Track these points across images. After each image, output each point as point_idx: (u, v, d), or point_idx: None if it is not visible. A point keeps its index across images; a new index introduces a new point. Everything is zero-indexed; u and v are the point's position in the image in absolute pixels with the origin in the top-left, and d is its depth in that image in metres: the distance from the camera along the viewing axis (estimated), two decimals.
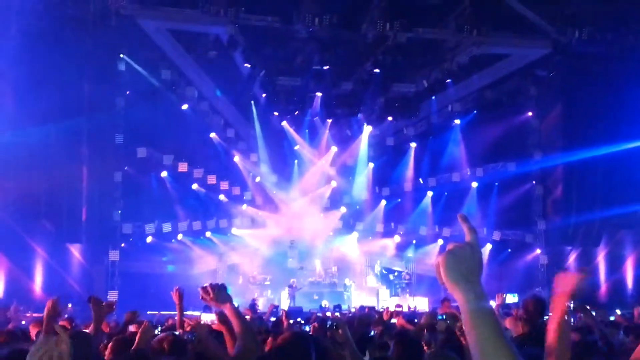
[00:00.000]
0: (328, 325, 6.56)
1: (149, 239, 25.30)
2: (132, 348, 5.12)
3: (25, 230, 21.43)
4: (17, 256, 20.94)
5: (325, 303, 23.61)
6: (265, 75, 25.04)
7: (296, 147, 28.33)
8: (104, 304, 7.14)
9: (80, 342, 5.40)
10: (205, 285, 4.08)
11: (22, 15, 20.84)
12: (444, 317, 7.58)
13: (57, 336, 3.05)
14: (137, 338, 5.28)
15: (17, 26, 20.51)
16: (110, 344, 5.59)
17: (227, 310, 4.09)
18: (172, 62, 24.31)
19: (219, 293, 4.05)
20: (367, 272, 27.97)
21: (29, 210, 21.33)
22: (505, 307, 10.56)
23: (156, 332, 6.21)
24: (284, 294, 24.83)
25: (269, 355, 4.76)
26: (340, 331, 5.80)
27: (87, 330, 6.29)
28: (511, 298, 21.41)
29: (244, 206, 27.36)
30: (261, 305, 21.88)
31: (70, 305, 21.00)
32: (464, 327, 2.04)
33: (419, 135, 28.33)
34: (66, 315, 14.38)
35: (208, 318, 10.69)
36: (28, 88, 20.35)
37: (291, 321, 10.98)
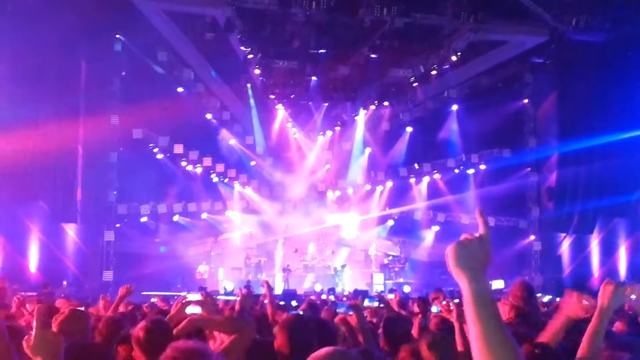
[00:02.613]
0: (343, 310, 6.56)
1: (144, 219, 25.36)
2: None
3: (20, 209, 21.46)
4: (12, 235, 20.97)
5: (318, 286, 23.71)
6: (262, 58, 24.99)
7: (292, 131, 28.37)
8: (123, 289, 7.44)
9: (77, 320, 5.48)
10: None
11: None
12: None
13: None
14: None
15: (13, 6, 20.43)
16: (101, 324, 5.61)
17: None
18: (169, 43, 24.23)
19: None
20: (361, 255, 28.11)
21: (24, 190, 21.35)
22: (495, 293, 10.63)
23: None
24: (279, 277, 24.95)
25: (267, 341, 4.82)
26: (354, 315, 5.83)
27: (81, 309, 6.33)
28: (497, 284, 21.57)
29: (240, 188, 27.42)
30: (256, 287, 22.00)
31: (65, 283, 21.14)
32: (466, 313, 2.14)
33: (415, 121, 28.37)
34: (62, 295, 14.53)
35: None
36: (24, 69, 20.31)
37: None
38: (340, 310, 6.80)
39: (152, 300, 13.10)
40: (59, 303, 8.70)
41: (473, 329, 2.07)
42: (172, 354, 3.30)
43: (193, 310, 5.47)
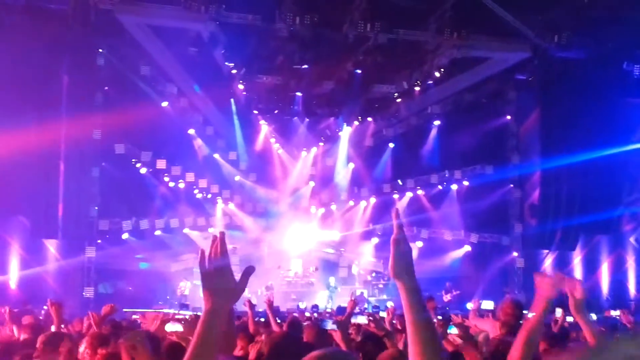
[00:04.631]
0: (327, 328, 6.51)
1: (125, 236, 25.14)
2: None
3: (0, 225, 21.25)
4: None
5: (302, 303, 23.60)
6: (246, 73, 24.98)
7: (276, 147, 28.31)
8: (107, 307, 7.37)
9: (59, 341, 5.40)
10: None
11: (1, 8, 20.68)
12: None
13: None
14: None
15: None
16: (86, 339, 5.55)
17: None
18: (152, 58, 24.10)
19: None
20: (344, 272, 28.01)
21: (4, 204, 21.15)
22: (481, 312, 10.62)
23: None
24: (261, 294, 24.81)
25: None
26: (339, 332, 5.77)
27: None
28: (487, 304, 21.41)
29: (222, 204, 27.28)
30: (239, 305, 21.80)
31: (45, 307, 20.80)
32: (404, 313, 2.49)
33: (398, 137, 28.36)
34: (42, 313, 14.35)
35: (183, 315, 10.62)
36: (5, 82, 20.16)
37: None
38: (326, 326, 6.75)
39: (134, 317, 12.98)
40: (25, 320, 8.61)
41: (409, 327, 2.44)
42: None
43: (172, 327, 5.38)
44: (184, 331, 5.25)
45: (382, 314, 12.65)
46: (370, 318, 8.33)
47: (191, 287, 25.53)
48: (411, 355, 2.42)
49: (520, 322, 6.55)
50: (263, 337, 6.20)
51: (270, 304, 8.75)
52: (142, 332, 5.46)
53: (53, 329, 7.15)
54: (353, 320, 9.29)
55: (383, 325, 7.86)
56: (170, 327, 5.39)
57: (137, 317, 12.80)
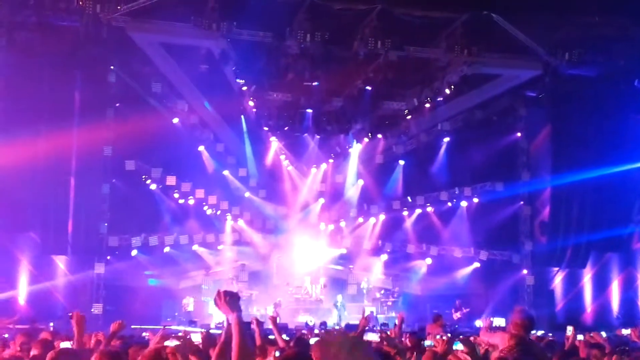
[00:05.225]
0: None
1: (134, 252, 25.12)
2: None
3: (10, 240, 21.31)
4: (1, 266, 20.79)
5: (310, 320, 23.50)
6: (256, 90, 25.05)
7: (286, 163, 28.31)
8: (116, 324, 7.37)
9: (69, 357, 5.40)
10: (220, 290, 4.20)
11: (13, 26, 20.82)
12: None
13: None
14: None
15: (8, 37, 20.47)
16: (95, 356, 5.54)
17: (233, 319, 4.11)
18: (163, 75, 24.20)
19: (232, 300, 4.13)
20: (353, 289, 27.89)
21: (14, 220, 21.22)
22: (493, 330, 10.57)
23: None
24: (270, 311, 24.70)
25: None
26: None
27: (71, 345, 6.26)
28: (499, 321, 21.26)
29: (232, 221, 27.26)
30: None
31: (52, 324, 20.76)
32: None
33: (408, 154, 28.30)
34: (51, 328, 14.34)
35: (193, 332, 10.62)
36: (17, 98, 20.28)
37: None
38: None
39: (144, 334, 12.95)
40: (44, 335, 8.61)
41: None
42: None
43: (172, 344, 5.39)
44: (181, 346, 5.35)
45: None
46: (383, 335, 8.32)
47: (195, 303, 25.51)
48: None
49: (531, 333, 6.55)
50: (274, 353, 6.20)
51: (274, 320, 8.74)
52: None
53: (70, 344, 7.15)
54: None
55: (395, 343, 7.83)
56: (170, 344, 5.42)
57: (147, 334, 12.74)
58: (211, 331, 16.18)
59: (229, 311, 4.13)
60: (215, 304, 4.20)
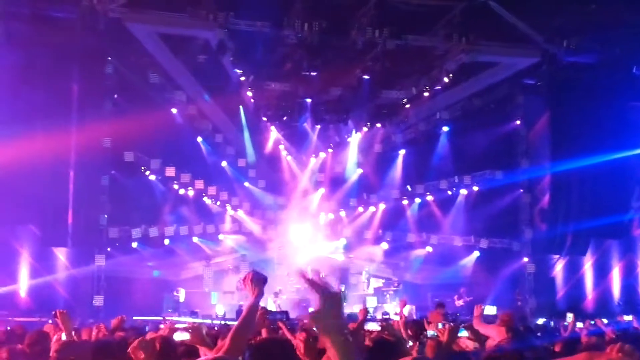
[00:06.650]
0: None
1: (135, 244, 25.12)
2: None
3: (10, 233, 21.30)
4: (1, 259, 20.79)
5: (311, 309, 23.47)
6: (254, 80, 25.01)
7: (285, 153, 28.29)
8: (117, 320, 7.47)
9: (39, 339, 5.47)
10: (250, 271, 4.21)
11: (9, 17, 20.75)
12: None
13: None
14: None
15: (3, 29, 20.40)
16: (93, 349, 5.55)
17: (247, 302, 4.16)
18: (161, 65, 24.14)
19: (256, 282, 4.11)
20: (354, 279, 27.93)
21: (14, 213, 21.19)
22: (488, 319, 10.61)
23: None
24: (270, 301, 24.72)
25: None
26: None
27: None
28: (490, 309, 21.34)
29: (232, 211, 27.27)
30: None
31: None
32: None
33: (407, 142, 28.31)
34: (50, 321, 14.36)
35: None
36: (14, 91, 20.22)
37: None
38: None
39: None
40: (47, 328, 8.61)
41: None
42: None
43: (181, 336, 5.37)
44: (191, 339, 5.31)
45: (395, 317, 12.61)
46: (383, 324, 8.33)
47: (190, 294, 25.53)
48: None
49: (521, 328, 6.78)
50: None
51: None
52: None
53: (64, 337, 7.14)
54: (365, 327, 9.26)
55: (395, 332, 7.83)
56: (179, 336, 5.39)
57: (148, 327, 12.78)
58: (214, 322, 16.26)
59: (250, 293, 4.11)
60: (243, 283, 4.19)
